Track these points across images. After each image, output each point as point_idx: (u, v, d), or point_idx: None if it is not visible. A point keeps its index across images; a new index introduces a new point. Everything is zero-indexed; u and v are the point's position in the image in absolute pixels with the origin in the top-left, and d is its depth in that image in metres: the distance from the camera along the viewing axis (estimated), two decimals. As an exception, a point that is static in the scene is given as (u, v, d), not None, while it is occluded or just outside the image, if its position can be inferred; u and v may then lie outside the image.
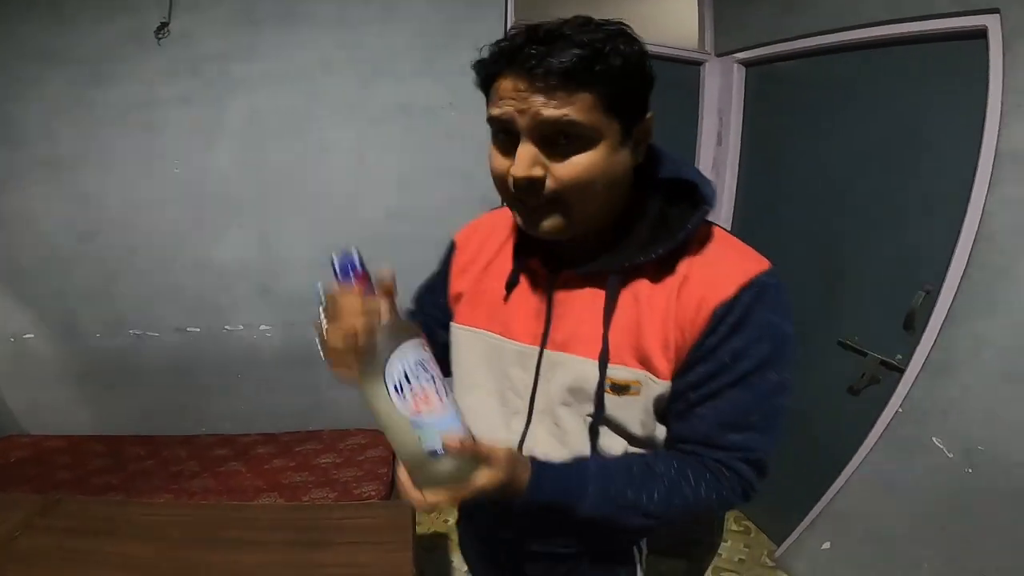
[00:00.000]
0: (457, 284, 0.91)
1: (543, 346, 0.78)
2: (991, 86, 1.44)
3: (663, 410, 0.76)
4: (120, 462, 2.14)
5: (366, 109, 2.16)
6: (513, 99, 0.61)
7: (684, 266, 0.70)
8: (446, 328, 0.92)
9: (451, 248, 0.95)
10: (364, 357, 0.61)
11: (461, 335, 0.87)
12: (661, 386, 0.72)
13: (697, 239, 0.72)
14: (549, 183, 0.63)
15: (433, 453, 0.60)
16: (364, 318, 0.61)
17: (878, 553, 1.79)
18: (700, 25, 2.34)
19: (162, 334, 2.37)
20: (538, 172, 0.62)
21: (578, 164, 0.62)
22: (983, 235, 1.49)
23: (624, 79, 0.61)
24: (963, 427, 1.55)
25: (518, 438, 0.83)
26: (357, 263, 0.64)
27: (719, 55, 2.32)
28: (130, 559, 1.30)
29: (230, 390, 2.45)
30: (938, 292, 1.59)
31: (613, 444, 0.78)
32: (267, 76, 2.08)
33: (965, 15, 1.48)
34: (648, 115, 0.67)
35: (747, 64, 2.24)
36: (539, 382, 0.79)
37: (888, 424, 1.71)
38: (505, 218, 0.88)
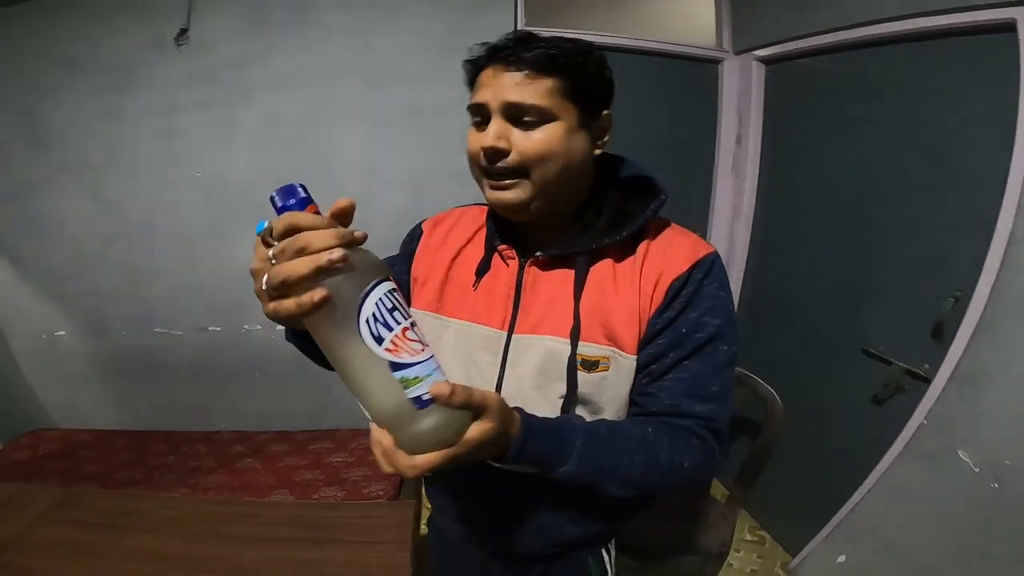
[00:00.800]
0: (417, 267, 0.93)
1: (511, 331, 0.82)
2: (1023, 81, 1.36)
3: (631, 388, 0.80)
4: (142, 457, 2.20)
5: (376, 112, 2.18)
6: (489, 86, 0.73)
7: (643, 247, 0.79)
8: None
9: (417, 233, 0.97)
10: (333, 297, 0.49)
11: (424, 321, 0.86)
12: (628, 361, 0.77)
13: (654, 226, 0.82)
14: (512, 155, 0.72)
15: (419, 402, 0.52)
16: (337, 242, 0.49)
17: (895, 568, 1.72)
18: (717, 22, 2.28)
19: (185, 333, 2.44)
20: (503, 144, 0.72)
21: (537, 137, 0.72)
22: (1017, 237, 1.41)
23: (582, 71, 0.73)
24: (991, 440, 1.47)
25: None
26: (304, 192, 0.54)
27: (737, 53, 2.25)
28: (138, 552, 1.33)
29: (248, 388, 2.50)
30: (969, 299, 1.51)
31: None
32: (281, 80, 2.11)
33: (992, 8, 1.41)
34: (606, 113, 0.80)
35: (766, 61, 2.18)
36: (506, 368, 0.82)
37: (912, 435, 1.64)
38: (474, 212, 0.95)
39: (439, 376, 0.54)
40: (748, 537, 2.34)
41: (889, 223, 1.80)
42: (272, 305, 0.52)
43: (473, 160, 0.76)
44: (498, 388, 0.82)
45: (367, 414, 0.57)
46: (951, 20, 1.51)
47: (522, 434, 0.64)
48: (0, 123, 2.18)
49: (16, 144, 2.20)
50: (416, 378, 0.52)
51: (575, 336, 0.77)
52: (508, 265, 0.84)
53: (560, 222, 0.82)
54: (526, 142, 0.72)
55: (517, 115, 0.72)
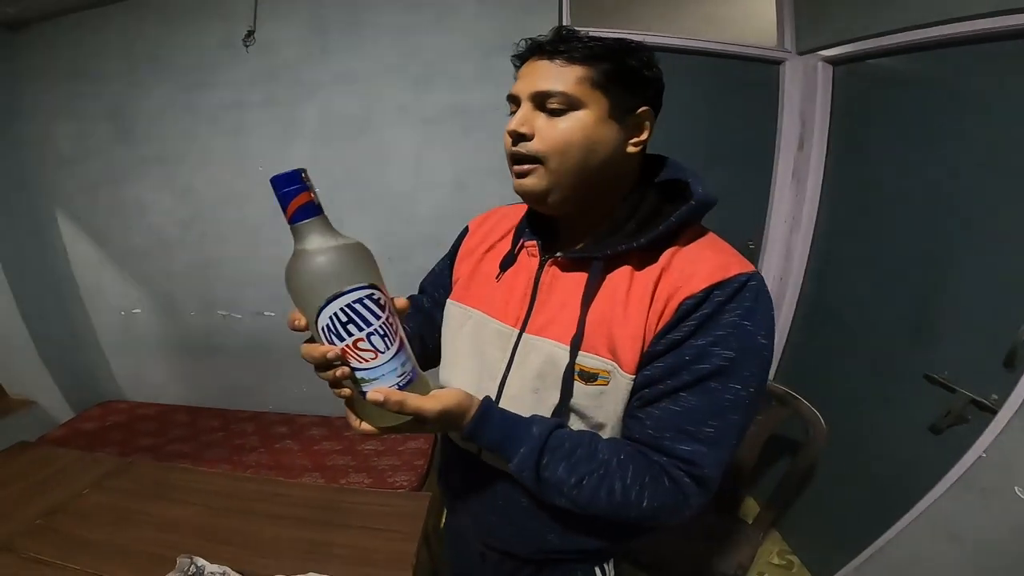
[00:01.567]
0: (461, 267, 0.96)
1: (523, 329, 0.81)
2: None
3: (627, 405, 0.76)
4: (195, 432, 2.35)
5: (423, 111, 2.23)
6: (524, 76, 0.74)
7: (666, 259, 0.73)
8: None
9: (463, 232, 1.01)
10: (301, 295, 0.63)
11: (451, 310, 0.92)
12: (626, 380, 0.73)
13: (685, 236, 0.75)
14: (534, 141, 0.72)
15: (363, 395, 0.63)
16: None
17: (930, 605, 1.57)
18: (779, 21, 2.16)
19: (244, 316, 2.58)
20: (525, 128, 0.72)
21: (560, 125, 0.71)
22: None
23: (618, 63, 0.71)
24: (1054, 480, 1.31)
25: None
26: (302, 180, 0.64)
27: (801, 53, 2.12)
28: (169, 522, 1.43)
29: (296, 372, 2.58)
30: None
31: None
32: (336, 80, 2.20)
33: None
34: (644, 108, 0.74)
35: (834, 62, 2.03)
36: (513, 366, 0.81)
37: (968, 469, 1.49)
38: (517, 210, 0.94)
39: (388, 380, 0.62)
40: (776, 561, 2.21)
41: (966, 239, 1.63)
42: None
43: (504, 150, 0.76)
44: (502, 385, 0.82)
45: None
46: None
47: (474, 422, 0.71)
48: (94, 117, 2.40)
49: (107, 137, 2.42)
50: (363, 379, 0.62)
51: (575, 345, 0.74)
52: (531, 261, 0.84)
53: (590, 221, 0.79)
54: (547, 129, 0.71)
55: (543, 102, 0.71)
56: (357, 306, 0.60)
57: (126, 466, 1.71)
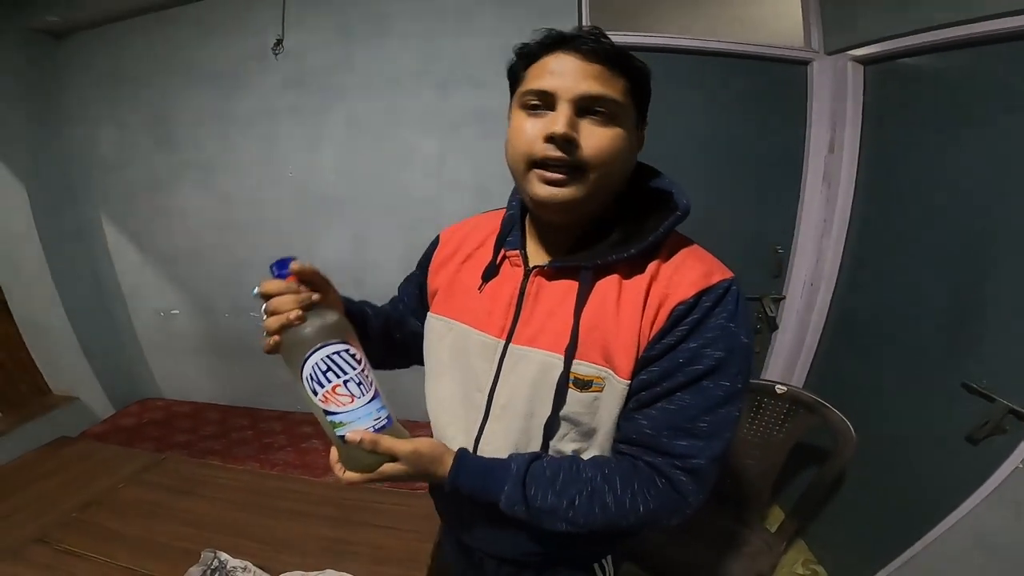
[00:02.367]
0: (435, 279, 0.94)
1: (508, 340, 0.80)
2: None
3: (622, 410, 0.76)
4: (225, 430, 2.42)
5: (446, 116, 2.25)
6: (559, 72, 0.68)
7: (653, 267, 0.74)
8: (417, 316, 0.97)
9: (434, 243, 0.99)
10: (289, 350, 0.70)
11: (432, 323, 0.91)
12: (621, 385, 0.73)
13: (669, 245, 0.76)
14: (582, 146, 0.68)
15: (342, 440, 0.70)
16: (296, 308, 0.70)
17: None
18: (805, 21, 2.10)
19: (275, 319, 2.64)
20: (575, 133, 0.67)
21: (608, 134, 0.69)
22: None
23: (644, 78, 0.72)
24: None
25: (475, 433, 0.84)
26: (287, 265, 0.74)
27: (829, 53, 2.06)
28: (195, 516, 1.48)
29: (324, 374, 2.65)
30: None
31: (564, 447, 0.79)
32: (361, 86, 2.24)
33: None
34: (646, 125, 0.78)
35: (864, 62, 1.97)
36: (500, 377, 0.81)
37: (1004, 480, 1.43)
38: (490, 219, 0.92)
39: (363, 423, 0.70)
40: (800, 570, 2.15)
41: (1004, 242, 1.56)
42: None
43: (524, 149, 0.70)
44: (491, 395, 0.82)
45: None
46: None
47: (452, 473, 0.75)
48: (136, 124, 2.51)
49: (148, 144, 2.52)
50: (341, 423, 0.69)
51: (570, 354, 0.74)
52: (515, 272, 0.82)
53: (576, 231, 0.79)
54: (594, 138, 0.68)
55: (588, 108, 0.68)
56: (335, 357, 0.68)
57: (161, 461, 1.77)
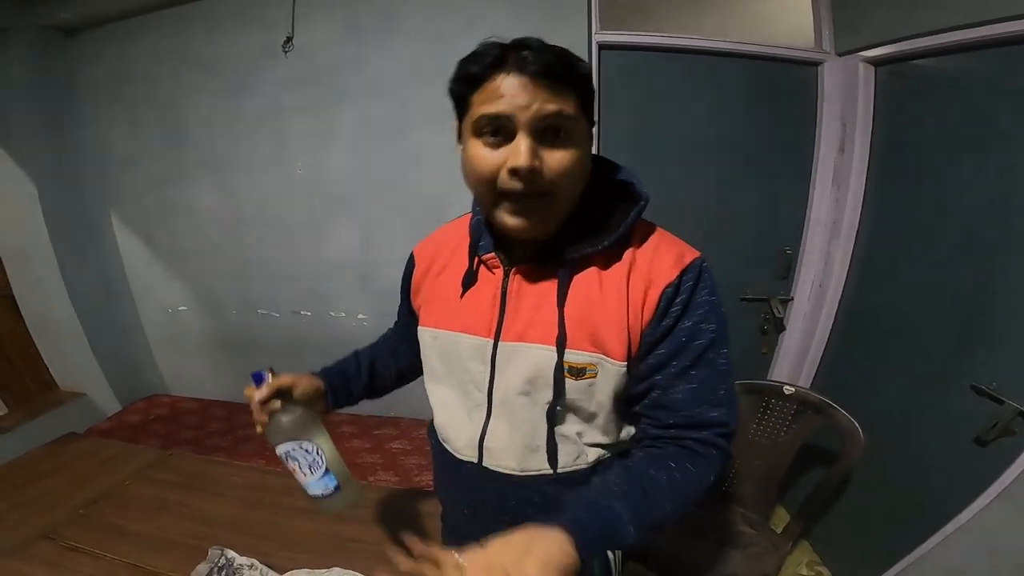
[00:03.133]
0: (417, 297, 0.97)
1: (497, 338, 0.82)
2: None
3: (620, 394, 0.80)
4: (232, 427, 2.43)
5: (454, 115, 2.21)
6: (512, 95, 0.66)
7: (629, 255, 0.77)
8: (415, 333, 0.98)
9: (410, 263, 1.01)
10: (268, 436, 0.91)
11: (422, 336, 0.94)
12: (616, 368, 0.77)
13: (638, 232, 0.80)
14: (545, 174, 0.68)
15: (312, 498, 0.93)
16: (263, 416, 0.89)
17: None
18: (816, 22, 2.09)
19: (281, 315, 2.66)
20: (538, 162, 0.67)
21: (569, 156, 0.69)
22: None
23: (590, 84, 0.71)
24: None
25: (479, 430, 0.87)
26: (265, 376, 0.91)
27: (840, 54, 2.05)
28: (203, 513, 1.49)
29: (330, 372, 2.66)
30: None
31: (569, 431, 0.83)
32: (371, 85, 2.24)
33: None
34: (594, 124, 0.77)
35: (876, 63, 1.96)
36: (495, 374, 0.84)
37: (1012, 482, 1.43)
38: (458, 226, 0.95)
39: (316, 490, 0.92)
40: (805, 571, 2.14)
41: (1017, 247, 1.55)
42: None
43: (489, 181, 0.70)
44: (490, 392, 0.85)
45: None
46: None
47: (578, 552, 0.62)
48: (146, 122, 2.52)
49: (158, 141, 2.54)
50: (305, 485, 0.92)
51: (561, 345, 0.77)
52: (493, 274, 0.84)
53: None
54: (556, 161, 0.68)
55: (544, 130, 0.67)
56: (290, 451, 0.90)
57: (167, 458, 1.78)
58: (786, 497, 2.36)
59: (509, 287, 0.82)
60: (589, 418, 0.82)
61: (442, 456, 0.97)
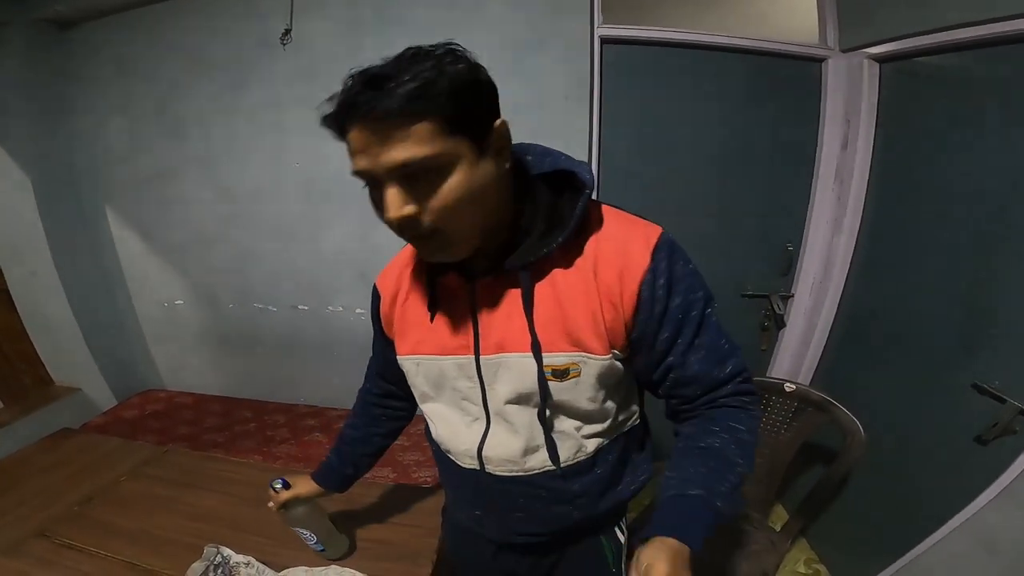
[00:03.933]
0: (390, 329, 0.97)
1: (477, 354, 0.83)
2: None
3: (610, 384, 0.83)
4: (228, 422, 2.42)
5: (455, 108, 2.20)
6: (363, 152, 0.63)
7: (591, 246, 0.76)
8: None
9: (375, 296, 0.99)
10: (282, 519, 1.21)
11: (405, 365, 0.93)
12: (599, 362, 0.78)
13: (594, 220, 0.78)
14: (425, 217, 0.65)
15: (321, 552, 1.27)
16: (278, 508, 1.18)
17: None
18: (820, 17, 2.07)
19: (279, 309, 2.64)
20: (409, 210, 0.64)
21: (444, 192, 0.64)
22: None
23: (457, 99, 0.62)
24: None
25: (478, 440, 0.89)
26: (280, 484, 1.17)
27: (845, 50, 2.03)
28: (201, 510, 1.48)
29: (327, 366, 2.66)
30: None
31: (565, 427, 0.85)
32: (368, 79, 2.20)
33: None
34: (499, 122, 0.68)
35: (881, 60, 1.94)
36: (485, 387, 0.85)
37: (1012, 481, 1.43)
38: (414, 252, 0.93)
39: (316, 548, 1.27)
40: (802, 569, 2.15)
41: (1018, 244, 1.54)
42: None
43: (388, 225, 0.68)
44: (485, 404, 0.87)
45: None
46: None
47: (692, 547, 0.70)
48: (142, 115, 2.49)
49: (154, 134, 2.50)
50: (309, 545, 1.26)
51: (536, 350, 0.77)
52: (458, 293, 0.82)
53: (496, 239, 0.77)
54: (433, 201, 0.64)
55: (409, 175, 0.63)
56: (296, 530, 1.23)
57: (163, 454, 1.77)
58: (785, 495, 2.36)
59: (477, 303, 0.81)
60: (583, 414, 0.84)
61: (445, 463, 0.99)
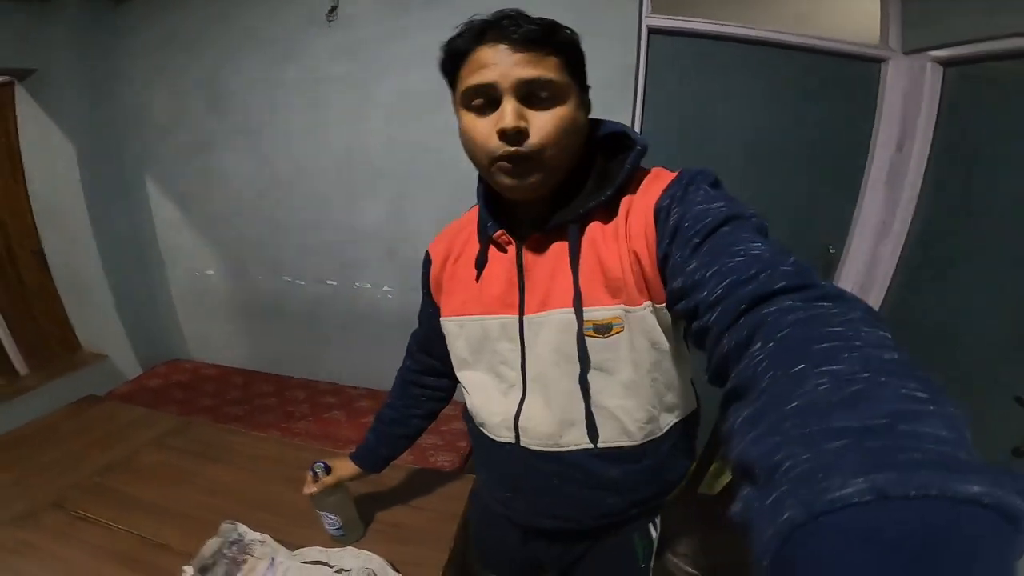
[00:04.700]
0: (438, 293, 0.96)
1: (522, 313, 0.82)
2: None
3: (654, 349, 0.77)
4: (249, 396, 2.42)
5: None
6: (495, 64, 0.67)
7: (626, 201, 0.75)
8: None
9: (426, 262, 1.00)
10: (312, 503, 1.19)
11: (447, 327, 0.93)
12: (639, 313, 0.74)
13: (636, 178, 0.77)
14: (532, 135, 0.69)
15: (329, 534, 1.24)
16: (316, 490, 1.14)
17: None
18: (883, 17, 1.98)
19: (307, 284, 2.65)
20: (523, 123, 0.68)
21: (555, 115, 0.69)
22: None
23: (576, 49, 0.72)
24: None
25: (514, 410, 0.86)
26: (322, 468, 1.16)
27: (908, 52, 1.94)
28: (217, 484, 1.47)
29: (350, 343, 2.66)
30: None
31: (607, 403, 0.79)
32: (412, 58, 2.17)
33: None
34: (588, 86, 0.77)
35: (946, 63, 1.85)
36: (526, 349, 0.83)
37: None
38: (467, 217, 0.95)
39: (329, 531, 1.23)
40: None
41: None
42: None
43: (481, 149, 0.71)
44: (523, 370, 0.84)
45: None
46: None
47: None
48: (188, 87, 2.52)
49: (200, 106, 2.54)
50: (325, 528, 1.24)
51: (578, 304, 0.76)
52: (506, 251, 0.83)
53: (549, 195, 0.79)
54: (542, 121, 0.69)
55: (529, 94, 0.68)
56: (322, 515, 1.20)
57: (184, 425, 1.76)
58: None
59: (524, 260, 0.81)
60: (627, 386, 0.78)
61: (479, 438, 0.97)
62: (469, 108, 0.72)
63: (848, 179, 2.15)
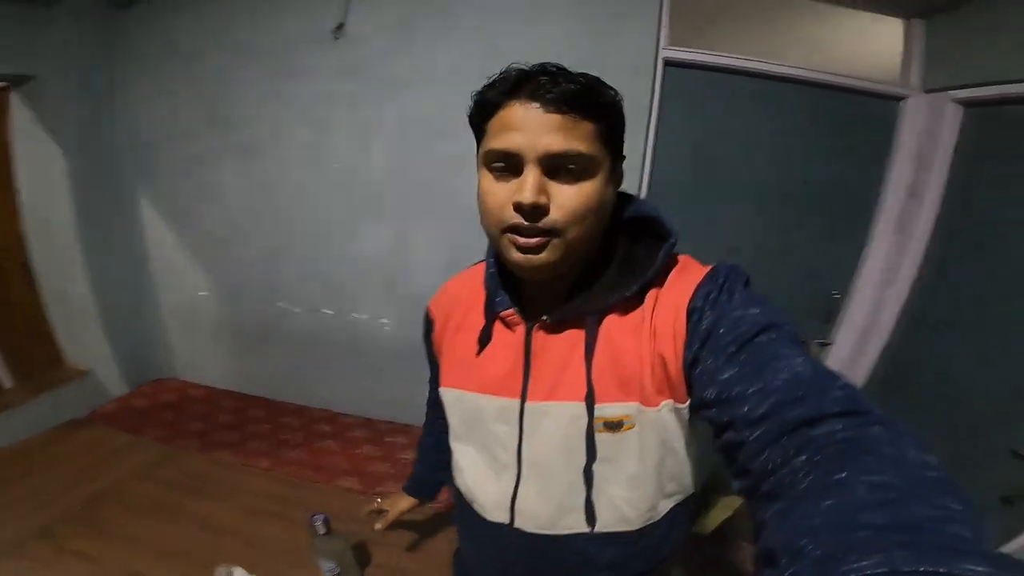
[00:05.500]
0: (440, 356, 0.92)
1: (524, 399, 0.77)
2: None
3: (663, 447, 0.72)
4: (241, 421, 2.35)
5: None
6: (523, 128, 0.62)
7: (651, 296, 0.70)
8: None
9: (427, 321, 0.96)
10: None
11: (444, 395, 0.88)
12: (653, 414, 0.70)
13: (664, 268, 0.72)
14: (552, 210, 0.64)
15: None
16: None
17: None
18: (905, 55, 1.95)
19: (302, 311, 2.58)
20: (544, 199, 0.63)
21: (580, 191, 0.64)
22: None
23: (615, 114, 0.66)
24: None
25: (509, 493, 0.82)
26: (321, 521, 1.20)
27: (928, 91, 1.92)
28: (208, 519, 1.44)
29: (345, 372, 2.59)
30: None
31: (608, 491, 0.75)
32: (418, 81, 2.13)
33: None
34: (623, 157, 0.71)
35: (967, 104, 1.82)
36: (524, 435, 0.78)
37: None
38: (472, 277, 0.89)
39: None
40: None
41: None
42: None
43: (496, 216, 0.66)
44: (518, 454, 0.80)
45: None
46: None
47: None
48: (188, 102, 2.45)
49: (197, 122, 2.47)
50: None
51: (590, 400, 0.71)
52: (514, 331, 0.78)
53: (569, 277, 0.74)
54: (565, 198, 0.64)
55: (555, 165, 0.63)
56: (323, 564, 1.21)
57: (172, 455, 1.72)
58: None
59: (533, 344, 0.76)
60: (631, 479, 0.74)
61: (467, 516, 0.91)
62: (490, 169, 0.67)
63: (858, 222, 2.12)
